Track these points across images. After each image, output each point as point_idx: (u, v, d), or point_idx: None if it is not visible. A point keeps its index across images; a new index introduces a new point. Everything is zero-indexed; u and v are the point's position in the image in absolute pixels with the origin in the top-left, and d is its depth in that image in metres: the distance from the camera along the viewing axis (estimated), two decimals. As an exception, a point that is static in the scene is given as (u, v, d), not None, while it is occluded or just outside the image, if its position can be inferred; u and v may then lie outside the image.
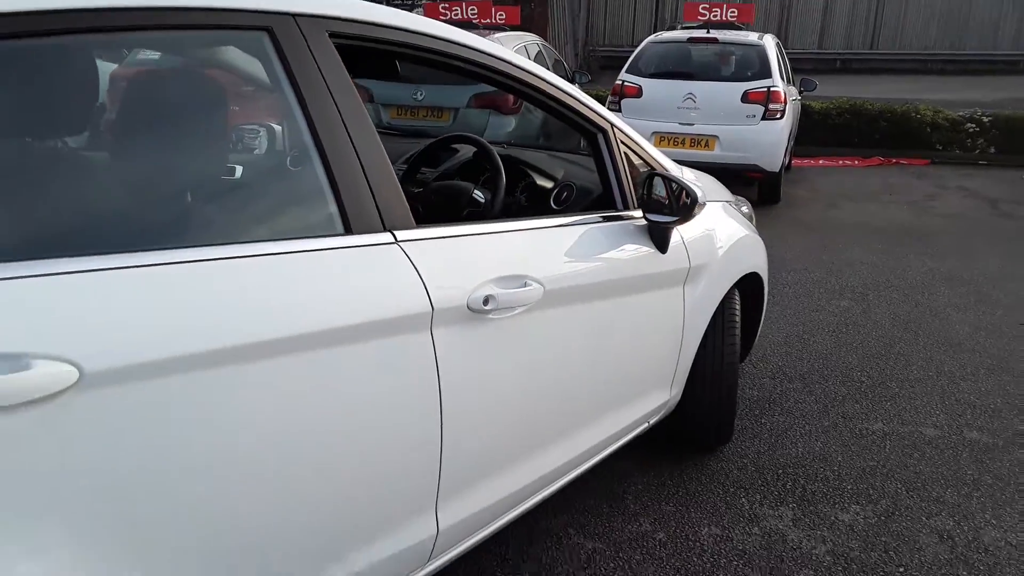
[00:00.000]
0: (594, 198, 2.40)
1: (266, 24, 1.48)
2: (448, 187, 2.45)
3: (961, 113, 10.86)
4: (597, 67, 19.62)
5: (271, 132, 2.18)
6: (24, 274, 1.09)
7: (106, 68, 1.75)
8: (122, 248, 1.23)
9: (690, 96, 7.32)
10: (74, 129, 1.51)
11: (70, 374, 1.08)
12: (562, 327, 1.98)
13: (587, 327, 2.09)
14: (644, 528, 2.50)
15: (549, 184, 2.62)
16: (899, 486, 2.78)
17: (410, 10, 2.44)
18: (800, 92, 8.75)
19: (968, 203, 8.01)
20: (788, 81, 8.07)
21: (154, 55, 1.86)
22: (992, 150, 10.50)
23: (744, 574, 2.30)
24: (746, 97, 7.20)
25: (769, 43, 7.67)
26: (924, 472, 2.88)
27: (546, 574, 2.28)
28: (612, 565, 2.33)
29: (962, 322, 4.46)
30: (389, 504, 1.63)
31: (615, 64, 16.46)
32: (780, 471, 2.85)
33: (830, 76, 19.40)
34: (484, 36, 3.76)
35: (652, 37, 8.35)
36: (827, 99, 11.00)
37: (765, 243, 3.09)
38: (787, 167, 8.78)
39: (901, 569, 2.35)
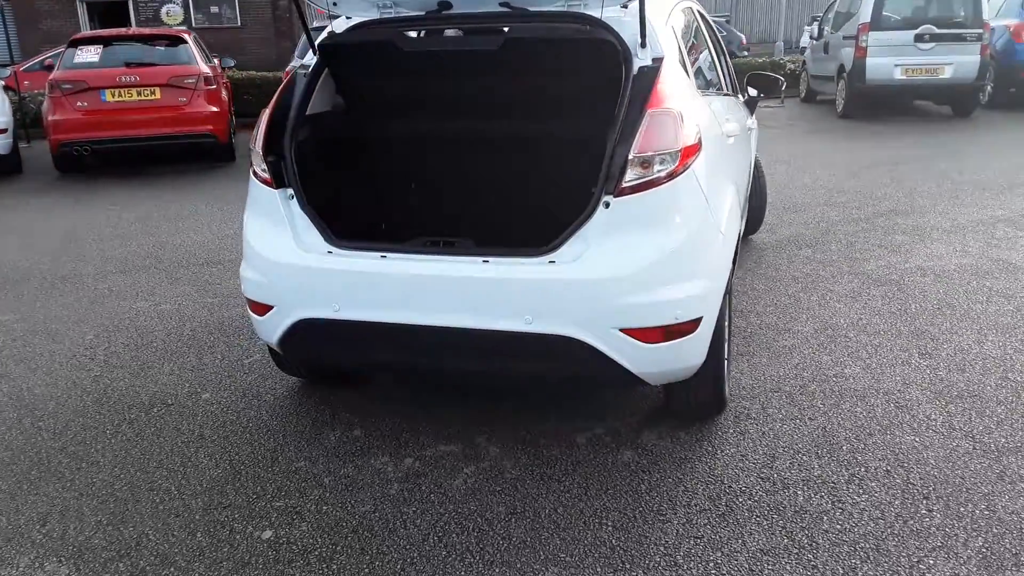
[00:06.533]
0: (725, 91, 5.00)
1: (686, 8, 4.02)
2: None
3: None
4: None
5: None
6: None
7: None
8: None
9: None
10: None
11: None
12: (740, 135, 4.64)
13: (743, 137, 4.74)
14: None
15: None
16: (841, 239, 5.70)
17: None
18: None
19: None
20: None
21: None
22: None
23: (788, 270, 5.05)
24: None
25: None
26: (855, 234, 5.81)
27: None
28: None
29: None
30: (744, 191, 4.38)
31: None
32: (800, 245, 5.73)
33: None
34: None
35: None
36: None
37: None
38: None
39: (894, 279, 5.21)
